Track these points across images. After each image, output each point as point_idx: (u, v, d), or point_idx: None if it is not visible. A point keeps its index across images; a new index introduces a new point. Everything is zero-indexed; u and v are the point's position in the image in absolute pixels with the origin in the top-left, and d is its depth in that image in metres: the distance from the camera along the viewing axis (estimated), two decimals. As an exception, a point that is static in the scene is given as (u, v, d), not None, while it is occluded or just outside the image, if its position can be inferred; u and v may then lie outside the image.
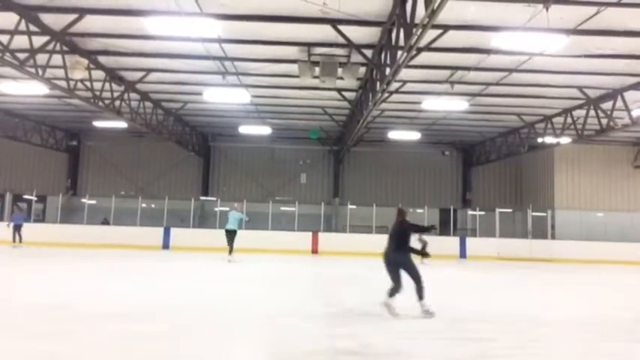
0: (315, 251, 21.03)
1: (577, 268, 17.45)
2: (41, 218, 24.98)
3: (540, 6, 9.27)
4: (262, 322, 6.80)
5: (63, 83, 13.27)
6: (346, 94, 16.52)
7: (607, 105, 15.49)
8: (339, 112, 19.70)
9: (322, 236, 21.48)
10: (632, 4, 9.21)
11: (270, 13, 10.44)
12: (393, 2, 9.63)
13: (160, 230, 20.86)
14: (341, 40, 11.24)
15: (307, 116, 20.77)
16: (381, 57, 11.82)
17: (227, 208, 23.53)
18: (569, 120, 17.65)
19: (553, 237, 22.06)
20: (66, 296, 8.29)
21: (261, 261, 16.53)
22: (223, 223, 17.01)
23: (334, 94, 16.37)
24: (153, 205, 23.98)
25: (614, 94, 14.94)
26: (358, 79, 14.35)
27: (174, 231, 20.74)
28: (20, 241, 18.77)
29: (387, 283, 7.49)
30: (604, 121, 16.11)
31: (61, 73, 12.89)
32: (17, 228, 18.87)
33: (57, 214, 22.63)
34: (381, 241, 7.93)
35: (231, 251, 15.77)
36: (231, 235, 15.82)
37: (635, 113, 14.85)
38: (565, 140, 19.28)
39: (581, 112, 16.72)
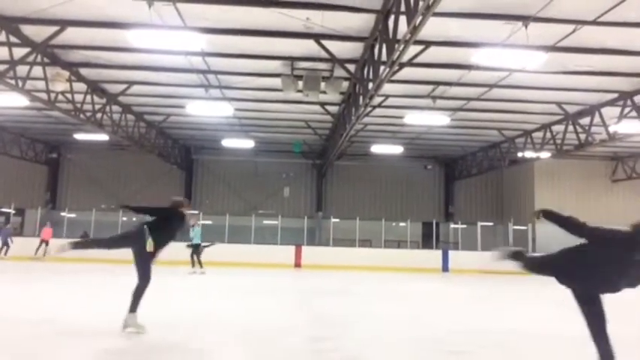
0: (298, 265, 20.95)
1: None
2: (19, 232, 24.51)
3: (520, 23, 9.47)
4: (245, 336, 6.73)
5: (43, 95, 13.13)
6: (329, 108, 16.61)
7: (585, 120, 15.81)
8: (322, 126, 19.78)
9: (305, 250, 21.42)
10: (608, 22, 9.44)
11: (253, 28, 10.49)
12: (375, 18, 9.75)
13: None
14: (324, 54, 11.34)
15: (290, 130, 20.81)
16: (364, 72, 11.93)
17: (210, 222, 23.51)
18: (548, 135, 17.97)
19: (534, 250, 22.26)
20: (47, 312, 8.12)
21: (244, 275, 16.40)
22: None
23: (317, 107, 16.44)
24: (134, 219, 23.61)
25: (591, 109, 15.25)
26: (341, 93, 14.46)
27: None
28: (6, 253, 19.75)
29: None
30: (582, 137, 16.41)
31: (41, 84, 12.76)
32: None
33: (35, 227, 22.23)
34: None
35: (194, 264, 16.07)
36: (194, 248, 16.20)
37: (612, 129, 15.15)
38: (545, 155, 19.59)
39: (560, 128, 17.04)
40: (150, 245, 6.33)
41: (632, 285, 4.37)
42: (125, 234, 6.92)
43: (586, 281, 4.44)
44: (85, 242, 6.96)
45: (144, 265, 6.40)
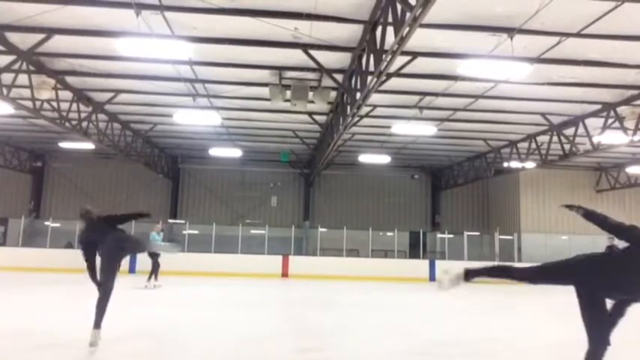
0: (285, 274, 20.84)
1: (544, 290, 17.74)
2: (2, 241, 24.14)
3: (505, 35, 9.58)
4: (232, 347, 6.68)
5: (29, 103, 12.99)
6: (317, 117, 16.65)
7: (569, 131, 15.99)
8: (309, 136, 19.81)
9: (292, 259, 21.33)
10: (591, 35, 9.59)
11: (242, 37, 10.50)
12: (363, 29, 9.81)
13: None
14: (312, 64, 11.37)
15: (278, 139, 20.80)
16: (352, 82, 11.98)
17: (196, 232, 23.38)
18: (533, 145, 18.15)
19: (519, 259, 22.41)
20: (28, 323, 7.99)
21: (231, 285, 16.29)
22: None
23: (305, 117, 16.46)
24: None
25: (575, 120, 15.45)
26: (329, 102, 14.49)
27: (140, 255, 20.25)
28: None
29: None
30: (567, 147, 16.61)
31: (27, 92, 12.61)
32: None
33: (18, 237, 21.93)
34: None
35: (151, 276, 14.82)
36: (153, 257, 14.84)
37: (595, 139, 15.34)
38: (530, 165, 19.77)
39: (545, 138, 17.23)
40: None
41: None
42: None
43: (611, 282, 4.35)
44: None
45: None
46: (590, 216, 4.64)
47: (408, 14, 7.04)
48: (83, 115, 15.41)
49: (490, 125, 17.15)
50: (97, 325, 6.19)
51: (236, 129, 19.26)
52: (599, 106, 14.31)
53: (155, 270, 14.84)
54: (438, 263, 21.79)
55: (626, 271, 4.24)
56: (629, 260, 4.27)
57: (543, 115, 15.49)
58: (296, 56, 11.26)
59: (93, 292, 6.26)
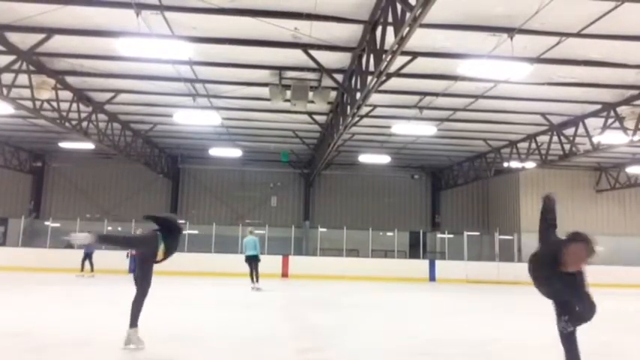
0: (285, 275, 20.87)
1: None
2: (2, 241, 24.14)
3: (505, 35, 9.59)
4: (232, 346, 6.68)
5: (29, 103, 12.99)
6: (317, 117, 16.65)
7: (569, 131, 16.00)
8: (309, 136, 19.81)
9: (292, 259, 21.35)
10: (591, 35, 9.61)
11: (242, 37, 10.50)
12: (363, 29, 9.82)
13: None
14: (312, 64, 11.38)
15: (278, 139, 20.80)
16: (352, 82, 11.99)
17: (196, 232, 23.38)
18: (533, 145, 18.16)
19: (519, 259, 22.42)
20: (28, 323, 7.98)
21: (231, 285, 16.29)
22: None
23: (305, 117, 16.47)
24: (119, 228, 23.46)
25: (575, 120, 15.45)
26: (329, 102, 14.49)
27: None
28: (92, 270, 18.05)
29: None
30: (567, 147, 16.61)
31: (27, 92, 12.62)
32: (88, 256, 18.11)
33: (18, 237, 21.93)
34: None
35: (252, 278, 15.02)
36: (249, 261, 15.18)
37: (595, 139, 15.34)
38: (530, 165, 19.78)
39: (545, 138, 17.23)
40: (161, 252, 6.27)
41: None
42: (141, 237, 6.95)
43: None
44: (108, 237, 6.99)
45: (148, 271, 6.32)
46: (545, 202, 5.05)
47: (408, 14, 7.04)
48: (83, 115, 15.42)
49: (490, 125, 17.15)
50: (131, 324, 6.16)
51: (236, 129, 19.27)
52: (599, 106, 14.32)
53: (256, 271, 15.05)
54: (438, 263, 21.83)
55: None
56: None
57: (543, 115, 15.50)
58: (296, 56, 11.27)
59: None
